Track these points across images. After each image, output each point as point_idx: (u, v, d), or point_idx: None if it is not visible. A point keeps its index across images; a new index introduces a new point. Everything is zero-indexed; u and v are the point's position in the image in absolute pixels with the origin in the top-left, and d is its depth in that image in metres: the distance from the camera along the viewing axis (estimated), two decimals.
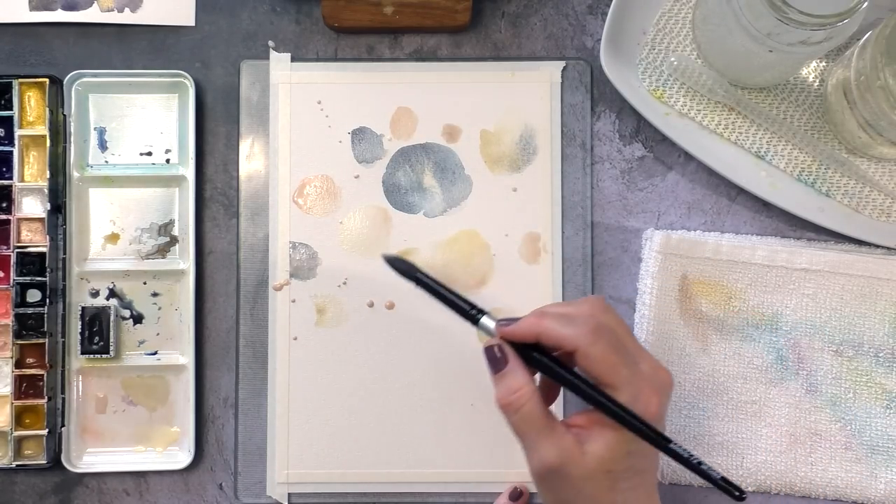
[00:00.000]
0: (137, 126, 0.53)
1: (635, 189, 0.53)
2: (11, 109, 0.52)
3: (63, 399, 0.52)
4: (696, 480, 0.51)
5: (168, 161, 0.53)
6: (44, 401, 0.51)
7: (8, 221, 0.52)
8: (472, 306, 0.42)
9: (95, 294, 0.53)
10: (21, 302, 0.51)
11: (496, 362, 0.41)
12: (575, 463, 0.39)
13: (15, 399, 0.51)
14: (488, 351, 0.41)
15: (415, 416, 0.52)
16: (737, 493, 0.38)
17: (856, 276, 0.51)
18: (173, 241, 0.53)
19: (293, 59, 0.54)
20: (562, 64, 0.54)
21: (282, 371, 0.52)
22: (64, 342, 0.52)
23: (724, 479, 0.39)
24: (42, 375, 0.51)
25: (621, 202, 0.53)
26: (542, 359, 0.41)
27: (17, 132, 0.52)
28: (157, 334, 0.53)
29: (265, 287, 0.53)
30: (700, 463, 0.39)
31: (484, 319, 0.42)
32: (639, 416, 0.39)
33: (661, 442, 0.39)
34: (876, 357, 0.51)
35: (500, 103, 0.53)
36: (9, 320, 0.51)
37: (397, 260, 0.44)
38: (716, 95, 0.52)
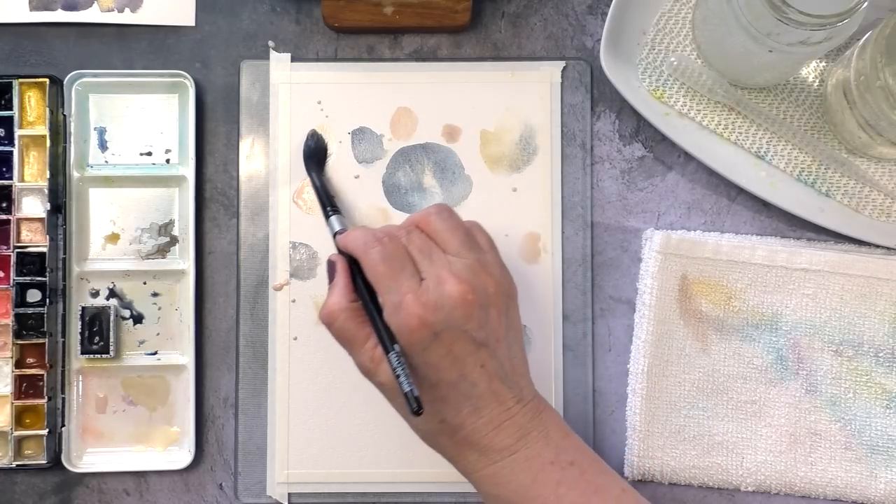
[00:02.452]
0: (137, 126, 0.53)
1: (635, 189, 0.53)
2: (11, 109, 0.52)
3: (63, 399, 0.52)
4: (696, 480, 0.51)
5: (168, 161, 0.53)
6: (44, 401, 0.51)
7: (8, 221, 0.52)
8: (331, 204, 0.49)
9: (95, 294, 0.53)
10: (21, 302, 0.51)
11: (330, 273, 0.45)
12: (380, 371, 0.42)
13: (15, 399, 0.51)
14: (328, 263, 0.45)
15: None
16: (415, 408, 0.40)
17: (856, 276, 0.51)
18: (173, 241, 0.53)
19: (293, 59, 0.54)
20: (562, 64, 0.54)
21: (282, 371, 0.52)
22: (64, 342, 0.52)
23: (412, 393, 0.40)
24: (42, 375, 0.51)
25: (621, 202, 0.53)
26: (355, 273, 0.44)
27: (17, 132, 0.52)
28: (158, 334, 0.53)
29: (265, 287, 0.53)
30: (399, 375, 0.40)
31: (333, 218, 0.48)
32: (379, 320, 0.42)
33: (387, 346, 0.41)
34: (876, 357, 0.51)
35: (500, 103, 0.53)
36: (9, 320, 0.51)
37: (314, 139, 0.52)
38: (716, 95, 0.52)
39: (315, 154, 0.52)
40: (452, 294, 0.41)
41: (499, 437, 0.42)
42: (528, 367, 0.45)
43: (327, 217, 0.49)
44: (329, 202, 0.49)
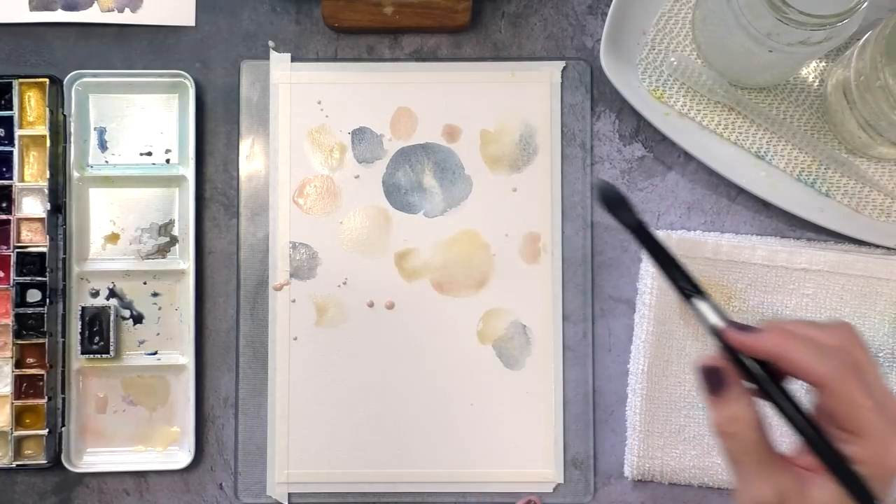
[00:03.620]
0: (137, 126, 0.53)
1: (635, 189, 0.53)
2: (11, 109, 0.52)
3: (63, 399, 0.52)
4: (696, 480, 0.51)
5: (168, 161, 0.53)
6: (44, 401, 0.51)
7: (8, 221, 0.52)
8: (690, 281, 0.36)
9: (95, 294, 0.53)
10: (21, 302, 0.51)
11: (716, 383, 0.35)
12: (808, 498, 0.34)
13: (15, 399, 0.51)
14: (708, 370, 0.35)
15: (414, 416, 0.52)
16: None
17: (856, 276, 0.51)
18: (173, 241, 0.53)
19: (293, 59, 0.54)
20: (562, 64, 0.54)
21: (282, 371, 0.52)
22: (64, 342, 0.52)
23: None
24: (42, 375, 0.51)
25: None
26: (775, 388, 0.35)
27: (17, 132, 0.52)
28: (158, 334, 0.53)
29: (265, 287, 0.53)
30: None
31: (701, 305, 0.36)
32: (859, 474, 0.33)
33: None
34: (876, 357, 0.51)
35: (500, 103, 0.53)
36: (9, 320, 0.51)
37: (611, 192, 0.37)
38: (716, 95, 0.52)
39: (624, 206, 0.37)
40: None
41: None
42: None
43: (688, 297, 0.36)
44: (689, 278, 0.37)
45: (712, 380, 0.35)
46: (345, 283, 0.53)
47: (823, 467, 0.34)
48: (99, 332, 0.52)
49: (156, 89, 0.53)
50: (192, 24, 0.54)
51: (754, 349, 0.35)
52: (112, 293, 0.53)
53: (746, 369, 0.35)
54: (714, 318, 0.35)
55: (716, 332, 0.35)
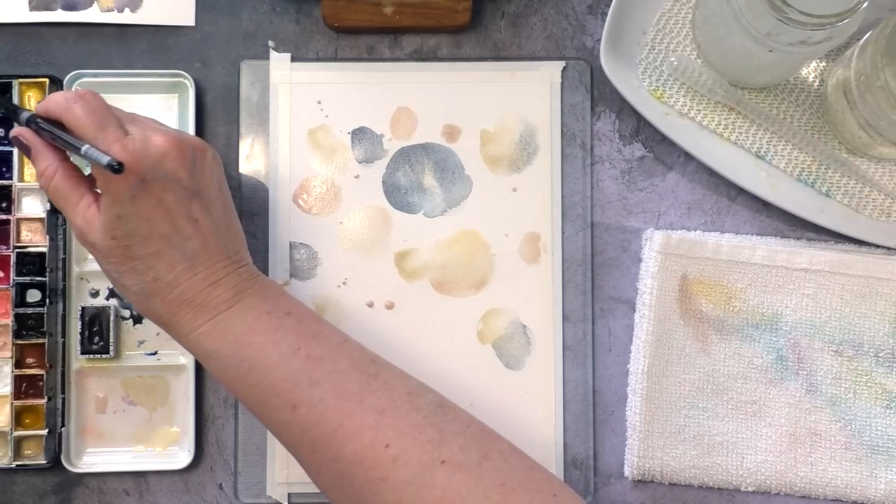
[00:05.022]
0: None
1: (635, 189, 0.53)
2: None
3: (63, 399, 0.52)
4: (696, 480, 0.51)
5: None
6: (44, 401, 0.51)
7: (8, 221, 0.52)
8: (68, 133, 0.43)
9: (95, 294, 0.53)
10: (21, 302, 0.51)
11: (25, 148, 0.44)
12: (92, 231, 0.42)
13: (15, 399, 0.51)
14: (15, 140, 0.44)
15: None
16: (116, 165, 0.39)
17: (856, 276, 0.51)
18: None
19: (293, 59, 0.54)
20: (562, 64, 0.54)
21: None
22: (64, 342, 0.52)
23: (111, 160, 0.39)
24: (42, 375, 0.51)
25: (621, 202, 0.53)
26: (42, 124, 0.43)
27: None
28: (157, 334, 0.53)
29: None
30: (83, 147, 0.40)
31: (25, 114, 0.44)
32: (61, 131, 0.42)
33: (77, 145, 0.40)
34: (876, 357, 0.51)
35: (500, 103, 0.53)
36: (9, 320, 0.51)
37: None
38: (716, 95, 0.52)
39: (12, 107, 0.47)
40: (160, 144, 0.42)
41: (214, 293, 0.43)
42: (246, 241, 0.47)
43: (78, 148, 0.41)
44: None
45: (21, 145, 0.44)
46: (345, 283, 0.53)
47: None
48: (99, 332, 0.52)
49: (156, 89, 0.53)
50: (192, 23, 0.54)
51: (41, 109, 0.43)
52: (112, 293, 0.53)
53: (52, 135, 0.42)
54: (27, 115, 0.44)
55: (32, 119, 0.43)
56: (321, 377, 0.42)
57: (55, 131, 0.42)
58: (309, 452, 0.42)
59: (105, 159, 0.39)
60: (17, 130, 0.44)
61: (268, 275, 0.52)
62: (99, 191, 0.42)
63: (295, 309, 0.44)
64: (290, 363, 0.42)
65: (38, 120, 0.43)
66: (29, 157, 0.44)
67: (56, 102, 0.42)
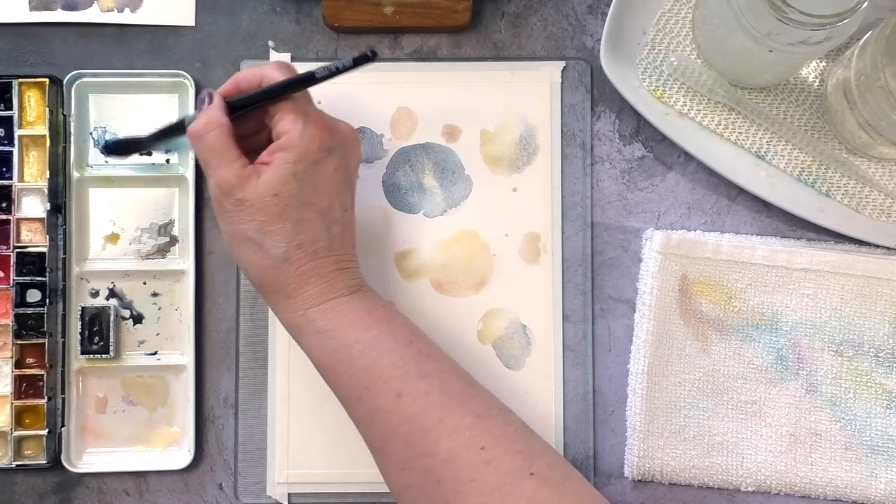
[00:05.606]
0: (137, 126, 0.53)
1: (635, 189, 0.53)
2: (11, 109, 0.52)
3: (63, 399, 0.52)
4: (696, 480, 0.51)
5: (168, 161, 0.53)
6: (44, 401, 0.51)
7: (8, 221, 0.52)
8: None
9: (95, 294, 0.53)
10: (21, 302, 0.51)
11: (202, 100, 0.44)
12: (247, 187, 0.42)
13: (15, 399, 0.51)
14: (202, 94, 0.44)
15: None
16: (370, 54, 0.42)
17: (856, 276, 0.51)
18: (173, 241, 0.53)
19: (293, 59, 0.54)
20: (562, 64, 0.54)
21: (282, 371, 0.52)
22: (64, 342, 0.52)
23: (362, 51, 0.42)
24: (42, 375, 0.51)
25: (621, 202, 0.53)
26: (239, 98, 0.44)
27: (17, 132, 0.52)
28: (157, 334, 0.53)
29: None
30: (318, 68, 0.42)
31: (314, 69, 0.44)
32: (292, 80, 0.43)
33: (309, 77, 0.43)
34: (876, 357, 0.51)
35: (500, 103, 0.53)
36: (9, 320, 0.51)
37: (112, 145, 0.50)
38: (716, 95, 0.52)
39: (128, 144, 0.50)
40: (344, 128, 0.45)
41: (341, 277, 0.44)
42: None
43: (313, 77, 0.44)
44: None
45: (202, 98, 0.44)
46: None
47: (273, 153, 0.42)
48: (99, 332, 0.52)
49: (156, 89, 0.53)
50: (192, 23, 0.54)
51: (243, 75, 0.45)
52: (112, 293, 0.53)
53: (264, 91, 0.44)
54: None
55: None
56: (429, 372, 0.43)
57: (265, 88, 0.44)
58: (401, 445, 0.42)
59: (351, 57, 0.42)
60: (207, 90, 0.44)
61: None
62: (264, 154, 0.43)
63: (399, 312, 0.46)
64: (404, 353, 0.43)
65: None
66: (197, 109, 0.44)
67: (260, 68, 0.45)
